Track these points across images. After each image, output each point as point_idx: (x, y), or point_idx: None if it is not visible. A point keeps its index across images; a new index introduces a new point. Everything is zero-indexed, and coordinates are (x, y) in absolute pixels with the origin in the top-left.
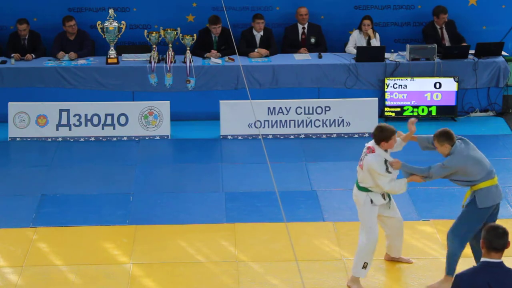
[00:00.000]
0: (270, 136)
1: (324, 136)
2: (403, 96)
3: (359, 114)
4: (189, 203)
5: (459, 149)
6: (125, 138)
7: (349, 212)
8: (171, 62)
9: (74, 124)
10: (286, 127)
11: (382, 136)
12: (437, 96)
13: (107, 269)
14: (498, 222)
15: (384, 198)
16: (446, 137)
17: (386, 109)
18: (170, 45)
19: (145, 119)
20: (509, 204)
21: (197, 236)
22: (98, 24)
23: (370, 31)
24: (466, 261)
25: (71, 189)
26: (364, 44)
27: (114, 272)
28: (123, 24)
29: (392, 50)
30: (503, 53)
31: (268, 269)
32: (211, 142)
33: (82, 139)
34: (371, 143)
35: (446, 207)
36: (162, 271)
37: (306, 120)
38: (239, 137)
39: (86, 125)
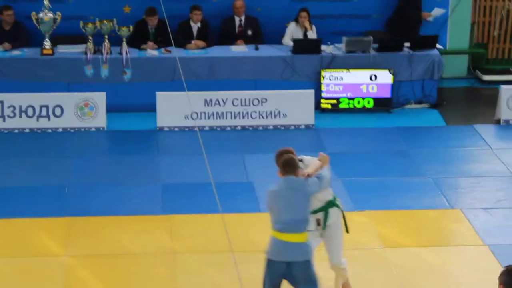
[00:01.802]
0: (207, 128)
1: (261, 128)
2: (339, 88)
3: (295, 106)
4: (126, 194)
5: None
6: (60, 130)
7: None
8: (107, 53)
9: (8, 116)
10: (223, 118)
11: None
12: (372, 88)
13: (42, 262)
14: (434, 212)
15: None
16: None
17: (322, 101)
18: (106, 37)
19: (81, 110)
20: (443, 195)
21: (133, 228)
22: (33, 15)
23: (306, 23)
24: None
25: (5, 181)
26: (301, 36)
27: (50, 264)
28: (59, 15)
29: (329, 43)
30: (438, 46)
31: (204, 260)
32: (148, 134)
33: (16, 131)
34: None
35: (381, 198)
36: (98, 263)
37: (243, 112)
38: (176, 129)
39: (20, 116)
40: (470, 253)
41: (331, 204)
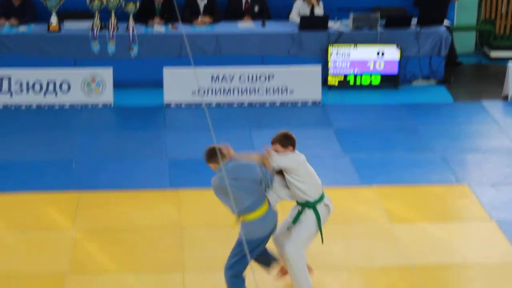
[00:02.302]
0: (214, 104)
1: (268, 104)
2: (346, 65)
3: (302, 82)
4: (133, 169)
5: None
6: (67, 106)
7: None
8: (114, 29)
9: (15, 92)
10: (230, 95)
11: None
12: (379, 65)
13: (50, 235)
14: (441, 188)
15: None
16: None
17: (329, 77)
18: (113, 13)
19: (88, 86)
20: (451, 171)
21: (140, 202)
22: None
23: (313, 0)
24: None
25: (12, 156)
26: (308, 13)
27: (57, 238)
28: None
29: (336, 19)
30: (445, 22)
31: (211, 235)
32: (155, 110)
33: (23, 107)
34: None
35: (388, 173)
36: (105, 237)
37: (250, 88)
38: (183, 105)
39: (27, 92)
40: (477, 228)
41: (310, 204)
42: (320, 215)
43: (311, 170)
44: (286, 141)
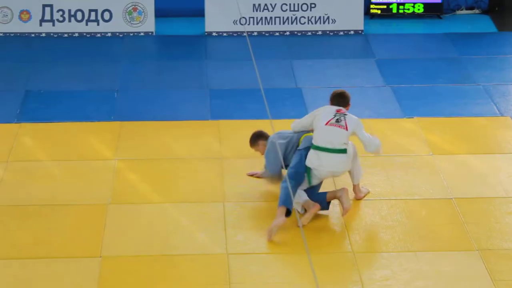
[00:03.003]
0: (255, 33)
1: (310, 34)
2: None
3: (344, 11)
4: (174, 99)
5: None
6: (109, 34)
7: None
8: None
9: (57, 20)
10: (272, 24)
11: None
12: None
13: (91, 164)
14: (484, 119)
15: None
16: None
17: (372, 6)
18: None
19: (129, 15)
20: (493, 102)
21: (181, 133)
22: None
23: None
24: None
25: (55, 85)
26: None
27: (99, 167)
28: None
29: None
30: None
31: (252, 166)
32: (196, 39)
33: (65, 35)
34: (340, 108)
35: (430, 105)
36: (147, 166)
37: (292, 17)
38: (224, 34)
39: (69, 20)
40: None
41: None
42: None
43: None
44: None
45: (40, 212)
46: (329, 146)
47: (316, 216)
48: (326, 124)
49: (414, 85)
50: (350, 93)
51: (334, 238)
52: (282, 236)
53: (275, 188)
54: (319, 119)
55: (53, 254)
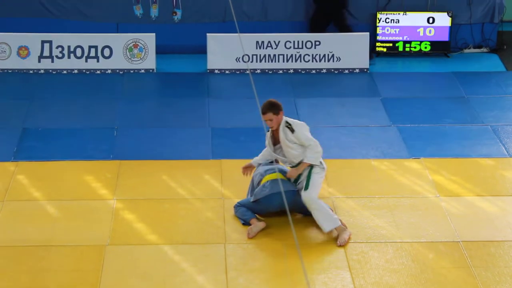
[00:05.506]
0: (258, 71)
1: (314, 71)
2: (395, 31)
3: (350, 49)
4: (175, 138)
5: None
6: (109, 71)
7: (337, 149)
8: None
9: (56, 56)
10: (275, 61)
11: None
12: (430, 32)
13: (89, 204)
14: (491, 160)
15: None
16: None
17: (377, 44)
18: None
19: (130, 51)
20: (501, 143)
21: (182, 172)
22: None
23: None
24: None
25: (53, 123)
26: None
27: (97, 207)
28: None
29: None
30: None
31: None
32: (198, 76)
33: (65, 72)
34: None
35: (436, 145)
36: (146, 206)
37: (296, 55)
38: (227, 72)
39: (69, 57)
40: None
41: None
42: None
43: None
44: (276, 108)
45: (37, 253)
46: None
47: (320, 256)
48: None
49: (421, 124)
50: (355, 133)
51: (337, 280)
52: (285, 279)
53: (277, 229)
54: None
55: None
